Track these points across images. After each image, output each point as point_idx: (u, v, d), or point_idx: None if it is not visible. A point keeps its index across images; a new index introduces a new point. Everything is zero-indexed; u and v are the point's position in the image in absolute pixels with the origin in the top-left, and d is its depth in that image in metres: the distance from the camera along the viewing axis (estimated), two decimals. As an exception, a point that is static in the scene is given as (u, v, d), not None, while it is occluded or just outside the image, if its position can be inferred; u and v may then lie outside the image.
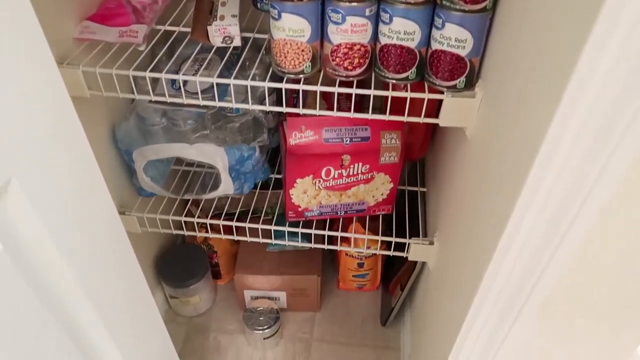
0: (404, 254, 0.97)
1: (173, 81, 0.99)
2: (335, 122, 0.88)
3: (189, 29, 0.87)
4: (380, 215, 1.03)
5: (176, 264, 1.22)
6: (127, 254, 0.64)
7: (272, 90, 1.06)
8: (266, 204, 1.16)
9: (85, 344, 0.58)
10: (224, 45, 0.82)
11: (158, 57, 0.87)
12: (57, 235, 0.48)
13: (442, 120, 0.74)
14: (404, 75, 0.73)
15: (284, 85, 0.75)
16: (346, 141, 0.88)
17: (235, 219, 1.04)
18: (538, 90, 0.47)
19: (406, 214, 1.04)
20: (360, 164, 0.91)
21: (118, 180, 1.00)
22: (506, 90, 0.60)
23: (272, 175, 1.10)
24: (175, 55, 0.89)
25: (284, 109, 0.79)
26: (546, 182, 0.41)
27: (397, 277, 1.17)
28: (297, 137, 0.87)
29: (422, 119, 0.76)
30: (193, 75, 1.01)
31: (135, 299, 0.68)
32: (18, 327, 0.46)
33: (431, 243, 0.94)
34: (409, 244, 0.95)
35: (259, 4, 0.89)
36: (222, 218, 1.10)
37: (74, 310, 0.55)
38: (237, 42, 0.82)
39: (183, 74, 0.80)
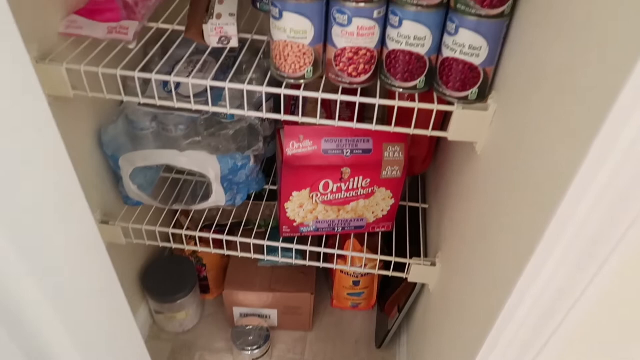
0: (403, 275, 0.91)
1: (165, 83, 0.94)
2: (335, 132, 0.83)
3: (183, 28, 0.82)
4: (380, 232, 0.97)
5: (162, 277, 1.16)
6: (106, 271, 0.58)
7: (269, 96, 1.01)
8: (259, 216, 1.11)
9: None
10: (220, 45, 0.77)
11: (149, 56, 0.82)
12: (23, 250, 0.42)
13: (452, 134, 0.69)
14: (412, 84, 0.68)
15: (282, 91, 0.70)
16: (346, 153, 0.83)
17: (226, 232, 0.98)
18: (569, 107, 0.42)
19: (407, 231, 0.99)
20: (361, 177, 0.86)
21: (103, 187, 0.94)
22: (525, 105, 0.55)
23: (266, 187, 1.05)
24: (167, 55, 0.83)
25: (281, 117, 0.73)
26: (583, 206, 0.36)
27: (394, 296, 1.11)
28: (295, 147, 0.82)
29: (429, 132, 0.70)
30: (186, 77, 0.97)
31: (114, 320, 0.62)
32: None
33: (433, 264, 0.88)
34: (409, 264, 0.89)
35: (258, 4, 0.84)
36: (212, 230, 1.04)
37: (41, 331, 0.49)
38: (234, 42, 0.77)
39: (175, 76, 0.75)
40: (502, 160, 0.62)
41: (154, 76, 0.72)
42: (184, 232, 0.95)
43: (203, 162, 0.88)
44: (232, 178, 0.93)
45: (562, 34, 0.48)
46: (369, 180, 0.86)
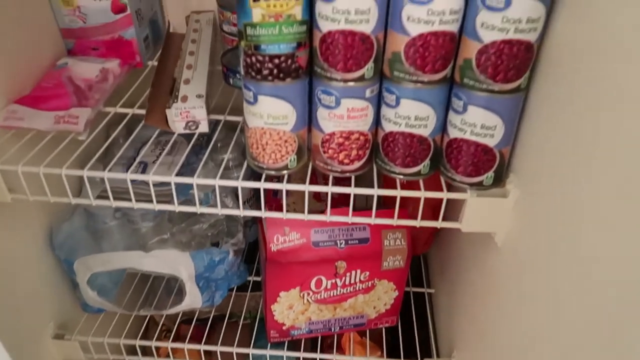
0: (414, 379, 0.78)
1: (128, 170, 0.83)
2: (326, 222, 0.71)
3: (144, 111, 0.71)
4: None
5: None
6: None
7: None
8: (244, 307, 0.97)
9: None
10: (187, 131, 0.66)
11: (111, 138, 0.71)
12: None
13: (465, 225, 0.58)
14: (414, 169, 0.58)
15: (262, 185, 0.59)
16: (340, 244, 0.71)
17: (205, 336, 0.84)
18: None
19: (413, 322, 0.86)
20: (359, 271, 0.74)
21: (57, 293, 0.80)
22: (556, 189, 0.45)
23: (250, 278, 0.92)
24: (132, 137, 0.72)
25: (262, 214, 0.62)
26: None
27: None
28: (280, 242, 0.70)
29: (439, 223, 0.59)
30: (154, 161, 0.86)
31: None
32: None
33: (449, 367, 0.75)
34: (421, 367, 0.76)
35: (231, 80, 0.75)
36: (192, 324, 0.91)
37: None
38: (203, 127, 0.66)
39: (141, 160, 0.63)
40: (531, 254, 0.51)
41: (106, 174, 0.60)
42: (153, 344, 0.81)
43: (173, 262, 0.75)
44: (208, 275, 0.80)
45: (592, 106, 0.38)
46: (368, 273, 0.74)
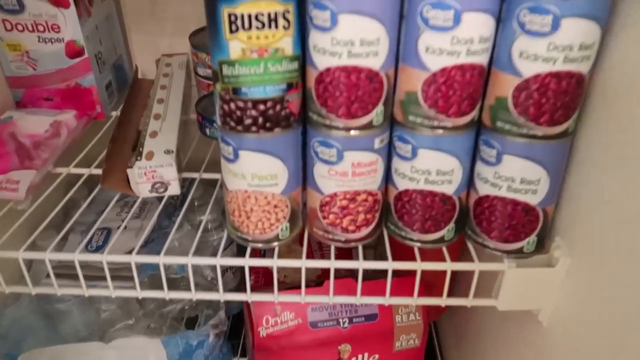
0: None
1: (89, 240, 0.70)
2: (323, 292, 0.59)
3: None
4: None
5: None
6: None
7: (228, 244, 0.78)
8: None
9: None
10: (153, 194, 0.55)
11: (65, 199, 0.58)
12: None
13: (502, 303, 0.47)
14: (436, 235, 0.47)
15: (247, 262, 0.47)
16: (344, 323, 0.59)
17: None
18: None
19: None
20: (366, 354, 0.61)
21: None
22: (621, 255, 0.34)
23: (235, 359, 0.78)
24: (91, 196, 0.60)
25: (248, 297, 0.49)
26: None
27: None
28: (270, 325, 0.57)
29: (470, 301, 0.48)
30: (118, 227, 0.73)
31: None
32: None
33: None
34: None
35: (207, 130, 0.64)
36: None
37: None
38: (173, 189, 0.55)
39: (102, 225, 0.52)
40: (588, 337, 0.40)
41: (47, 255, 0.47)
42: None
43: (141, 352, 0.62)
44: (185, 363, 0.66)
45: None
46: (377, 356, 0.62)
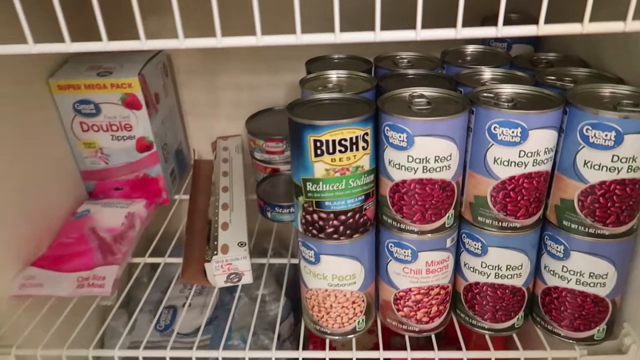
0: None
1: (158, 319, 0.73)
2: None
3: (177, 260, 0.63)
4: None
5: None
6: None
7: (285, 316, 0.80)
8: None
9: None
10: (228, 284, 0.58)
11: (134, 277, 0.62)
12: None
13: (577, 387, 0.48)
14: (507, 324, 0.49)
15: (327, 354, 0.49)
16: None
17: None
18: None
19: None
20: None
21: None
22: None
23: None
24: (157, 275, 0.64)
25: (325, 387, 0.52)
26: None
27: None
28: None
29: (542, 387, 0.49)
30: (183, 304, 0.77)
31: None
32: None
33: None
34: None
35: (269, 214, 0.67)
36: None
37: None
38: (247, 279, 0.58)
39: (167, 306, 0.54)
40: None
41: (116, 353, 0.50)
42: None
43: None
44: None
45: None
46: None
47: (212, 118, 0.82)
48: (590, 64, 0.54)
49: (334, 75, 0.51)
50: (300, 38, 0.34)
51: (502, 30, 0.33)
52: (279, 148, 0.70)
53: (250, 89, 0.80)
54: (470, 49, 0.59)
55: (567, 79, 0.48)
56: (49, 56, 0.65)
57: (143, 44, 0.34)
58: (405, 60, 0.57)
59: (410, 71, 0.53)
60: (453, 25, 0.33)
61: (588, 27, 0.32)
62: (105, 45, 0.34)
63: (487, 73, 0.51)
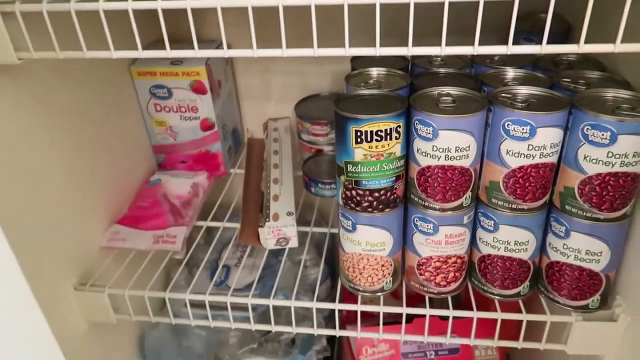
0: None
1: (212, 273, 0.85)
2: (416, 330, 0.70)
3: (233, 225, 0.74)
4: None
5: None
6: None
7: (325, 278, 0.91)
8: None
9: None
10: (277, 247, 0.68)
11: (195, 242, 0.74)
12: None
13: (571, 348, 0.56)
14: (514, 291, 0.57)
15: (359, 308, 0.59)
16: (430, 355, 0.70)
17: None
18: None
19: None
20: (450, 382, 0.72)
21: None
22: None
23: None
24: (215, 241, 0.75)
25: (358, 334, 0.62)
26: None
27: None
28: (369, 354, 0.69)
29: (542, 345, 0.58)
30: (236, 264, 0.89)
31: None
32: None
33: None
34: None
35: (312, 189, 0.77)
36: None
37: None
38: (293, 243, 0.68)
39: (224, 265, 0.65)
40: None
41: (188, 296, 0.62)
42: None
43: (260, 371, 0.76)
44: (292, 381, 0.80)
45: None
46: (458, 384, 0.72)
47: (264, 101, 0.92)
48: (606, 66, 0.60)
49: (374, 72, 0.60)
50: (317, 51, 0.43)
51: (545, 48, 0.40)
52: (324, 131, 0.79)
53: (299, 75, 0.89)
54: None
55: (581, 81, 0.55)
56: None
57: (225, 52, 0.44)
58: (439, 59, 0.65)
59: (442, 70, 0.61)
60: (484, 30, 0.41)
61: (620, 47, 0.39)
62: (167, 53, 0.44)
63: (510, 73, 0.58)
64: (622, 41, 0.39)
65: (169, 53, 0.45)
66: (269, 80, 0.90)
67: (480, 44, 0.41)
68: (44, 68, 0.56)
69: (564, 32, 0.72)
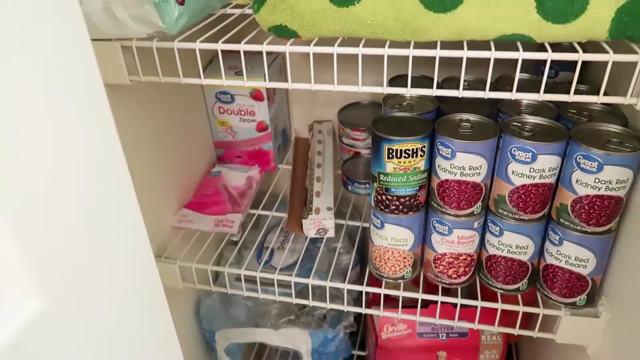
0: None
1: (259, 254, 0.99)
2: (430, 314, 0.82)
3: (280, 214, 0.87)
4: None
5: None
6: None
7: (355, 263, 1.03)
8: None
9: None
10: (317, 236, 0.81)
11: (246, 232, 0.87)
12: None
13: (560, 337, 0.67)
14: (514, 286, 0.68)
15: (382, 291, 0.71)
16: (442, 337, 0.82)
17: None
18: None
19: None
20: (458, 361, 0.83)
21: (196, 358, 0.97)
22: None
23: (354, 352, 1.04)
24: (264, 227, 0.88)
25: (380, 313, 0.74)
26: None
27: None
28: (390, 331, 0.82)
29: (535, 333, 0.68)
30: (279, 247, 1.02)
31: None
32: None
33: None
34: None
35: (349, 187, 0.89)
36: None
37: None
38: (331, 233, 0.80)
39: (266, 247, 0.78)
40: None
41: (243, 272, 0.76)
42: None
43: (296, 339, 0.89)
44: (322, 350, 0.93)
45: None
46: (466, 363, 0.84)
47: (310, 105, 1.04)
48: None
49: (407, 95, 0.71)
50: (337, 87, 0.54)
51: (573, 98, 0.51)
52: (362, 136, 0.90)
53: (342, 84, 1.00)
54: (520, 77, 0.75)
55: (584, 113, 0.64)
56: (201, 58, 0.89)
57: (290, 85, 0.56)
58: (466, 83, 0.75)
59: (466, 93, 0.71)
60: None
61: (630, 100, 0.50)
62: (244, 82, 0.57)
63: (525, 100, 0.68)
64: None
65: (245, 83, 0.57)
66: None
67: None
68: (146, 86, 0.70)
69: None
